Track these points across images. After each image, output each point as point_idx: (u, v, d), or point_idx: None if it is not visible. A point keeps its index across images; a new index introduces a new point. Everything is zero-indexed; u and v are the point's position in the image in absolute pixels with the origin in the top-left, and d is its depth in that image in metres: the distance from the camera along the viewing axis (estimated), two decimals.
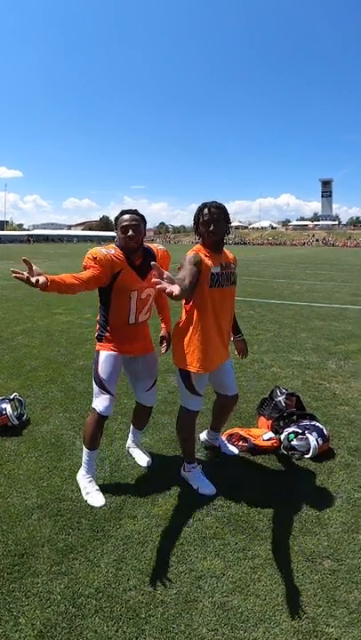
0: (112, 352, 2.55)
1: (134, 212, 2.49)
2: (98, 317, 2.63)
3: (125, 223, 2.43)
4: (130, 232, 2.41)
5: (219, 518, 2.37)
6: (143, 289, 2.51)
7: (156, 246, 2.68)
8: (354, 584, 1.95)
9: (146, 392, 2.77)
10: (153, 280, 1.83)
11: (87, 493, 2.54)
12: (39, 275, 1.93)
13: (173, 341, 2.58)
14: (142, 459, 2.92)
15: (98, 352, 2.58)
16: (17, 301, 9.61)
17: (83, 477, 2.63)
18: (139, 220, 2.47)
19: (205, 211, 2.39)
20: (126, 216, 2.45)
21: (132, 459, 2.96)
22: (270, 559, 2.09)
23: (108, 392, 2.53)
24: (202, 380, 2.54)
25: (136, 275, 2.48)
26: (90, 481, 2.60)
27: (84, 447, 2.62)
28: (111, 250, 2.46)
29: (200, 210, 2.41)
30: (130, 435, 3.06)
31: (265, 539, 2.23)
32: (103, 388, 2.53)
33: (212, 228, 2.37)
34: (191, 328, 2.46)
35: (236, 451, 3.07)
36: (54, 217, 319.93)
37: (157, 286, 1.77)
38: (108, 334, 2.57)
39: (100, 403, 2.53)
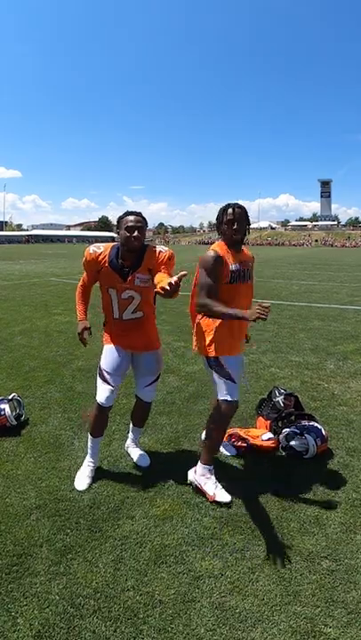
0: (114, 345, 2.70)
1: (139, 213, 2.59)
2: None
3: (131, 224, 2.52)
4: (135, 232, 2.51)
5: (217, 519, 2.37)
6: (123, 289, 2.59)
7: (159, 249, 2.60)
8: (352, 584, 1.95)
9: (145, 388, 2.84)
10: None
11: (77, 477, 2.71)
12: (85, 328, 2.78)
13: (199, 333, 2.63)
14: (141, 459, 2.92)
15: (103, 346, 2.76)
16: (15, 302, 9.60)
17: (85, 461, 2.80)
18: (142, 221, 2.57)
19: (230, 210, 2.50)
20: (132, 217, 2.55)
21: (131, 459, 2.96)
22: (268, 559, 2.09)
23: (108, 383, 2.66)
24: (234, 364, 2.58)
25: (117, 275, 2.57)
26: (87, 465, 2.76)
27: (88, 434, 2.79)
28: (100, 247, 2.63)
29: (224, 209, 2.52)
30: (129, 434, 3.06)
31: (263, 539, 2.23)
32: (103, 379, 2.68)
33: (235, 226, 2.49)
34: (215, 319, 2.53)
35: (234, 451, 3.07)
36: (53, 217, 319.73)
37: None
38: (105, 324, 2.78)
39: (100, 394, 2.68)
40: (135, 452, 2.99)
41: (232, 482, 2.72)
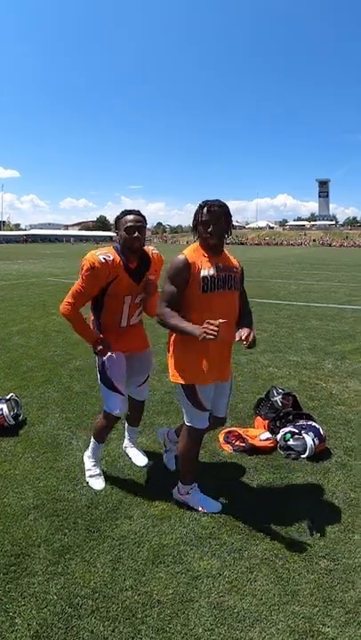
0: (116, 352, 2.58)
1: (137, 212, 2.47)
2: (92, 318, 2.64)
3: (131, 224, 2.41)
4: (136, 233, 2.41)
5: (215, 518, 2.37)
6: (137, 293, 2.54)
7: (151, 249, 2.66)
8: (350, 583, 1.95)
9: (138, 387, 2.83)
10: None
11: (90, 476, 2.68)
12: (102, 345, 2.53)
13: (170, 355, 2.35)
14: (139, 459, 2.92)
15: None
16: (13, 302, 9.59)
17: (88, 459, 2.75)
18: (142, 221, 2.47)
19: (205, 210, 2.18)
20: (131, 216, 2.43)
21: (129, 459, 2.96)
22: (266, 559, 2.09)
23: (120, 392, 2.57)
24: (208, 392, 2.31)
25: (131, 279, 2.49)
26: (94, 464, 2.73)
27: (92, 437, 2.75)
28: (110, 255, 2.42)
29: (200, 208, 2.21)
30: (126, 434, 3.06)
31: (261, 539, 2.23)
32: (115, 389, 2.55)
33: (210, 229, 2.18)
34: (189, 338, 2.16)
35: (232, 449, 3.07)
36: (51, 217, 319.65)
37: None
38: (102, 334, 2.59)
39: (113, 404, 2.56)
40: (133, 452, 2.98)
41: (230, 481, 2.72)
